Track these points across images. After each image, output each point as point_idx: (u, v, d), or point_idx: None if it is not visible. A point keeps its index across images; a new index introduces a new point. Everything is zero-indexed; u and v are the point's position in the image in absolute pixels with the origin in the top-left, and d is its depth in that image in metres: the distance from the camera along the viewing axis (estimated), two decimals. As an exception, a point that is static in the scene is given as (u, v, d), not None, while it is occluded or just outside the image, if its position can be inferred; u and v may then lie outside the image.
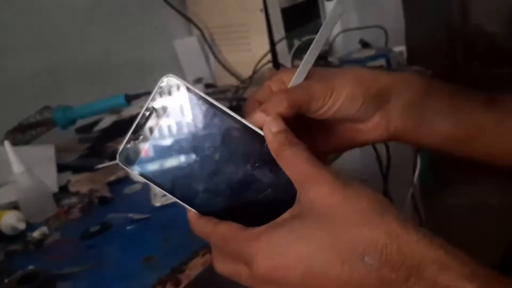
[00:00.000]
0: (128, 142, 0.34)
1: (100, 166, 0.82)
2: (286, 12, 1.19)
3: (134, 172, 0.34)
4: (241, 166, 0.33)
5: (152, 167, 0.34)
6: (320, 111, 0.35)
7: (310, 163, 0.30)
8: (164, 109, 0.34)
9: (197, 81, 1.29)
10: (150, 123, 0.34)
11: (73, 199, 0.76)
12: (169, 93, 0.34)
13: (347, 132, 0.39)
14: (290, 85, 0.36)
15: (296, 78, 0.36)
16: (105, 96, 0.99)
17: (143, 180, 0.34)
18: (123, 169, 0.34)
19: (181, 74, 1.29)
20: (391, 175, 1.13)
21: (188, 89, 0.33)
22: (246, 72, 1.20)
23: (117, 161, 0.34)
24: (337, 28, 1.24)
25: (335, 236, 0.28)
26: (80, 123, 1.04)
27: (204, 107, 0.33)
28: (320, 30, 0.36)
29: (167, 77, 0.34)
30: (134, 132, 0.34)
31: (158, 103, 0.34)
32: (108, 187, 0.78)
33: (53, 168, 0.84)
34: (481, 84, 0.42)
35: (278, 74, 0.38)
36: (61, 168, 0.85)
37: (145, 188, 0.74)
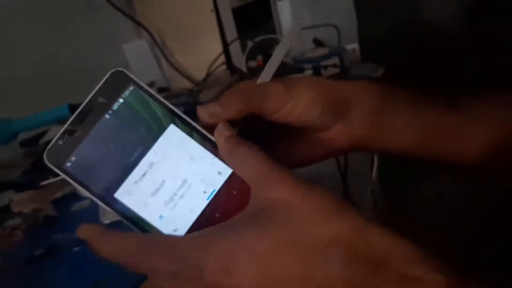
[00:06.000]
0: (61, 137, 0.30)
1: (44, 182, 0.77)
2: (237, 12, 1.17)
3: (62, 173, 0.30)
4: (187, 169, 0.30)
5: (85, 168, 0.30)
6: (278, 113, 0.34)
7: (268, 161, 0.29)
8: (108, 104, 0.30)
9: (149, 85, 1.24)
10: (90, 118, 0.30)
11: (16, 220, 0.71)
12: (117, 88, 0.30)
13: (308, 144, 0.37)
14: None
15: None
16: (51, 106, 0.93)
17: (71, 182, 0.30)
18: (53, 170, 0.30)
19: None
20: (350, 173, 1.14)
21: (138, 85, 0.30)
22: (199, 75, 1.18)
23: (44, 158, 0.30)
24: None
25: (296, 234, 0.26)
26: (24, 135, 0.98)
27: (154, 106, 0.30)
28: (278, 47, 0.35)
29: (116, 70, 0.30)
30: (70, 126, 0.30)
31: (102, 97, 0.30)
32: (54, 205, 0.73)
33: (-7, 187, 0.78)
34: (435, 81, 0.41)
35: (236, 86, 0.36)
36: (3, 186, 0.80)
37: (94, 205, 0.70)
